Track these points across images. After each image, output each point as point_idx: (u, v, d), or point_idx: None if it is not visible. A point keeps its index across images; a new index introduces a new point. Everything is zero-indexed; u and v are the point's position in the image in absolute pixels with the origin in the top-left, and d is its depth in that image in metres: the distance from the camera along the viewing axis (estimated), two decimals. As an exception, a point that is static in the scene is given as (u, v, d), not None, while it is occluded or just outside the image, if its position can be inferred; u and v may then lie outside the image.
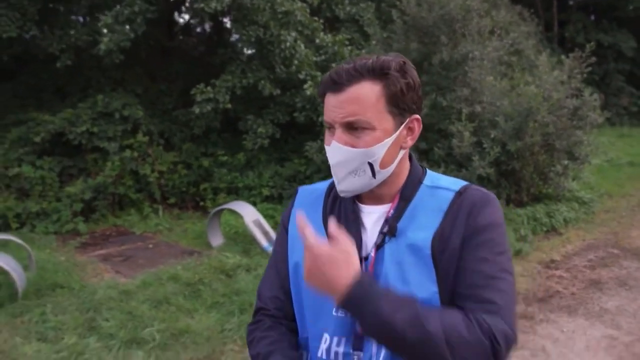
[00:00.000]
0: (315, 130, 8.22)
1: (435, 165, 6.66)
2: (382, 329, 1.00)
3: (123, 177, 7.94)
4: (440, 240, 1.10)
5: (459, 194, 1.15)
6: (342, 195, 1.15)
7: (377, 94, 1.07)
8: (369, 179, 1.12)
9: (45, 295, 4.81)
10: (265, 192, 7.88)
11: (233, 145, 8.71)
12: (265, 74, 7.88)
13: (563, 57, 7.49)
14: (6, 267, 4.54)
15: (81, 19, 9.25)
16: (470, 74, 6.84)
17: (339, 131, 1.09)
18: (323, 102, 1.14)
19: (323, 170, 7.75)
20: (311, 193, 1.31)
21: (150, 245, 6.66)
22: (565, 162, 7.40)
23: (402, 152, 1.16)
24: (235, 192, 8.09)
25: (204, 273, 5.21)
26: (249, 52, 11.11)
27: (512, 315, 1.06)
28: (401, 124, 1.12)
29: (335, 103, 1.08)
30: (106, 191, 7.82)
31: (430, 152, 6.93)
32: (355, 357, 1.13)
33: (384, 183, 1.15)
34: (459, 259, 1.09)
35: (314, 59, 8.02)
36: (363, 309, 1.00)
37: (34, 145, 7.85)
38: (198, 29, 12.80)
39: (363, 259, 1.14)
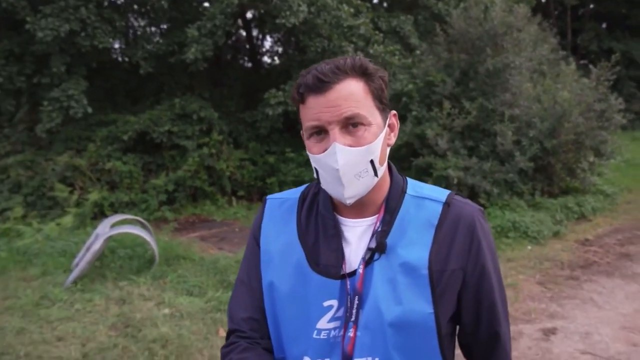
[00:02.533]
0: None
1: (482, 160, 7.65)
2: None
3: (199, 172, 9.01)
4: (437, 260, 1.07)
5: (447, 205, 1.12)
6: (348, 202, 1.07)
7: (364, 90, 1.05)
8: (372, 179, 1.07)
9: (173, 264, 5.85)
10: (329, 183, 8.92)
11: (293, 144, 9.76)
12: (325, 81, 8.92)
13: (590, 66, 8.49)
14: (147, 238, 5.58)
15: (158, 30, 10.34)
16: (511, 80, 7.87)
17: (335, 132, 1.03)
18: (298, 108, 1.09)
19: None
20: (282, 204, 1.25)
21: (237, 229, 7.70)
22: (592, 158, 8.41)
23: (388, 150, 1.13)
24: (300, 185, 9.10)
25: (298, 247, 6.23)
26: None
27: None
28: (386, 119, 1.11)
29: (326, 103, 1.02)
30: (185, 184, 8.89)
31: (476, 148, 7.94)
32: None
33: (369, 191, 1.09)
34: (470, 292, 1.12)
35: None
36: None
37: (120, 143, 8.92)
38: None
39: (347, 276, 1.09)
